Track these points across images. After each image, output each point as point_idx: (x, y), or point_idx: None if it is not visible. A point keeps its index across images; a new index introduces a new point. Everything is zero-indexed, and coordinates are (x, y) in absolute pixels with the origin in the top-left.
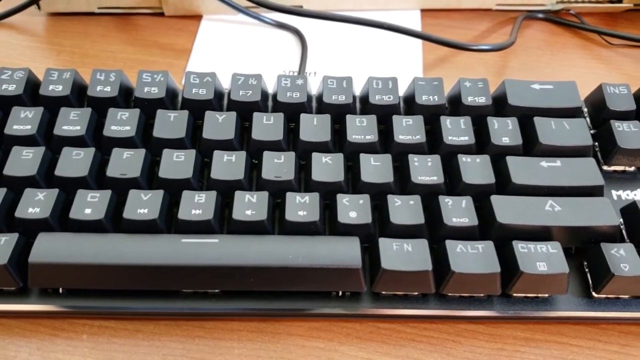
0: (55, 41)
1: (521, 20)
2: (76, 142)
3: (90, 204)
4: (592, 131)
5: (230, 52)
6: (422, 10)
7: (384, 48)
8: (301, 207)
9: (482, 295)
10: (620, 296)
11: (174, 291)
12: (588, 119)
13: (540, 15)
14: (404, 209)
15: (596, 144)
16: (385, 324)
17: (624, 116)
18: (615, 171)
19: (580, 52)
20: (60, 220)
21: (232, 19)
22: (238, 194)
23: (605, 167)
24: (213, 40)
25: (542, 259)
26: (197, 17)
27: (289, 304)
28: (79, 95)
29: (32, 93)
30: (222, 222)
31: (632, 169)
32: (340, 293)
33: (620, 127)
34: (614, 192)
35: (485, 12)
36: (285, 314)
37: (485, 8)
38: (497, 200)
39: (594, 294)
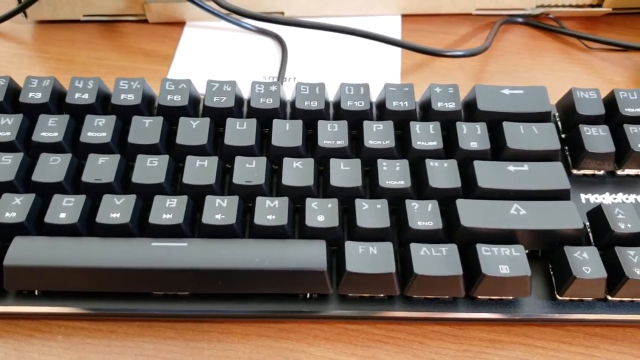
0: (42, 48)
1: (499, 25)
2: (54, 148)
3: (65, 209)
4: (563, 135)
5: (211, 58)
6: (403, 16)
7: (364, 54)
8: (270, 211)
9: (446, 297)
10: (584, 298)
11: (146, 293)
12: (559, 124)
13: (520, 20)
14: (371, 213)
15: (567, 148)
16: (353, 326)
17: (593, 121)
18: (584, 175)
19: (559, 56)
20: (36, 224)
21: (214, 25)
22: (209, 198)
23: (574, 171)
24: (195, 47)
25: (504, 261)
26: (181, 24)
27: (258, 306)
28: (58, 102)
29: (12, 100)
30: (193, 226)
31: (602, 172)
32: (308, 295)
33: (589, 132)
34: (582, 196)
35: (466, 17)
36: (254, 316)
37: (465, 13)
38: (462, 204)
39: (558, 296)
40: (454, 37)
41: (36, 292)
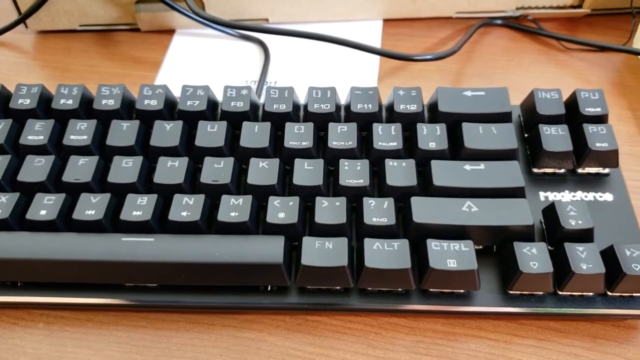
0: (40, 57)
1: (475, 28)
2: (40, 150)
3: (45, 206)
4: (526, 135)
5: (198, 64)
6: (385, 20)
7: (344, 58)
8: (234, 208)
9: (399, 289)
10: (534, 293)
11: (118, 285)
12: (523, 124)
13: (499, 22)
14: (330, 210)
15: (527, 147)
16: (314, 317)
17: (553, 120)
18: (545, 173)
19: (536, 57)
20: (19, 220)
21: (202, 32)
22: (177, 196)
23: (535, 170)
24: (183, 53)
25: (452, 256)
26: (171, 32)
27: (222, 297)
28: (45, 108)
29: (3, 106)
30: (163, 223)
31: (562, 171)
32: (269, 288)
33: (548, 131)
34: (541, 194)
35: (446, 20)
36: (219, 307)
37: (445, 16)
38: (416, 201)
39: (508, 290)
40: (433, 40)
41: (19, 283)
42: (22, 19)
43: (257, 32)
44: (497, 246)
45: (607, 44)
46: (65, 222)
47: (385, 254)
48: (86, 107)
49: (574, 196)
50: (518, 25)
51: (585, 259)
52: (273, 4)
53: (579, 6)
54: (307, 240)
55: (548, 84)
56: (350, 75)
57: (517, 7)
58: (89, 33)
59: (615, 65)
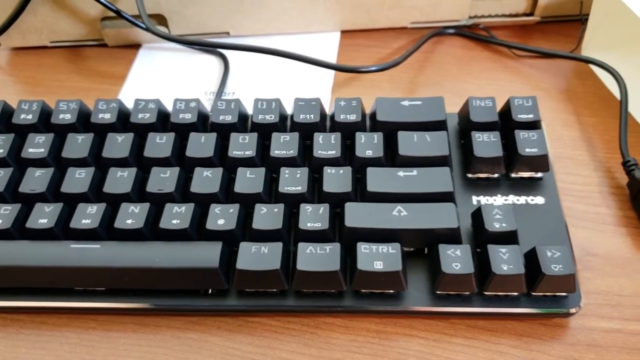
0: (12, 73)
1: (425, 39)
2: None
3: (2, 216)
4: (462, 141)
5: (161, 77)
6: (343, 32)
7: (301, 69)
8: (176, 216)
9: (333, 290)
10: (461, 293)
11: (69, 289)
12: (459, 131)
13: (451, 31)
14: (268, 216)
15: (463, 153)
16: (254, 318)
17: (486, 127)
18: (479, 178)
19: (487, 65)
20: None
21: (166, 46)
22: (124, 205)
23: (469, 175)
24: (147, 67)
25: (380, 258)
26: (137, 46)
27: (167, 301)
28: (7, 123)
29: None
30: (110, 230)
31: (496, 175)
32: (210, 291)
33: (480, 138)
34: (474, 198)
35: (402, 30)
36: (164, 309)
37: (400, 26)
38: (349, 206)
39: (435, 290)
40: (387, 51)
41: None
42: None
43: (215, 47)
44: (428, 249)
45: (556, 51)
46: (19, 231)
47: (317, 257)
48: (45, 122)
49: (506, 200)
50: (470, 34)
51: (506, 260)
52: (234, 19)
53: (531, 14)
54: (243, 245)
55: (497, 91)
56: (306, 86)
57: (470, 16)
58: (59, 49)
59: (564, 72)
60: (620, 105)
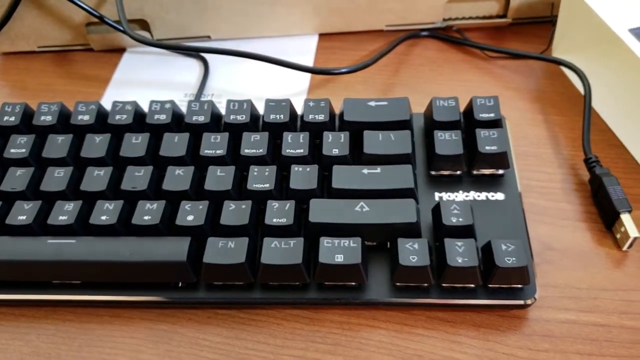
0: (1, 77)
1: (398, 41)
2: None
3: None
4: (427, 140)
5: (144, 80)
6: (321, 35)
7: (279, 71)
8: (148, 212)
9: (297, 283)
10: (419, 285)
11: (46, 282)
12: (424, 130)
13: (425, 34)
14: (235, 212)
15: (426, 151)
16: (223, 311)
17: (448, 126)
18: (442, 175)
19: (459, 67)
20: None
21: (150, 50)
22: (99, 202)
23: (432, 172)
24: (131, 70)
25: (340, 252)
26: (122, 50)
27: (139, 293)
28: None
29: None
30: (86, 226)
31: (458, 173)
32: (180, 284)
33: (442, 136)
34: (436, 194)
35: (378, 33)
36: (136, 302)
37: (376, 29)
38: (314, 203)
39: (394, 282)
40: (363, 53)
41: None
42: None
43: (195, 51)
44: (390, 243)
45: (526, 52)
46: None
47: (281, 252)
48: (27, 123)
49: (467, 196)
50: (444, 36)
51: (462, 253)
52: (214, 23)
53: (504, 16)
54: (211, 241)
55: (468, 92)
56: (283, 88)
57: (444, 19)
58: (47, 54)
59: (535, 72)
60: (584, 103)
